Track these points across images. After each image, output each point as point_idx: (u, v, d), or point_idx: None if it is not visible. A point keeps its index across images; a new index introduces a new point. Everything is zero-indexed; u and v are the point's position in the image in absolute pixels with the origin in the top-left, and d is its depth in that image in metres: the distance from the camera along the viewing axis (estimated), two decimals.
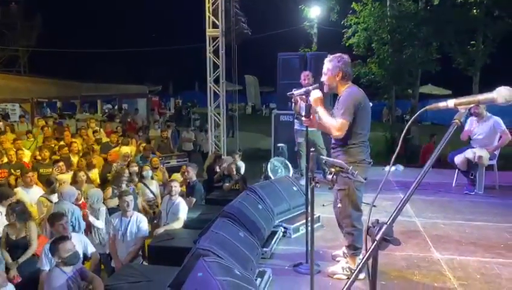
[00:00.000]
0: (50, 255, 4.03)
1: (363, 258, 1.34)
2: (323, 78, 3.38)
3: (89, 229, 5.39)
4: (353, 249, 3.41)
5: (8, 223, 4.69)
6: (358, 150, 3.30)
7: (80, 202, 5.71)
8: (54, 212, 4.65)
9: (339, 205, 3.34)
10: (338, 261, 3.66)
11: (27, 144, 9.26)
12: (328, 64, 3.35)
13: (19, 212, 4.63)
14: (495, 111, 5.90)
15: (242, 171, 7.56)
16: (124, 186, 6.09)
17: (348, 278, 2.90)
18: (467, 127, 6.29)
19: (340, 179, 3.14)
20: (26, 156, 8.13)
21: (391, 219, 1.33)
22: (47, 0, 29.93)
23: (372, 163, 3.38)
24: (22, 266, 4.49)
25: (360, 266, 1.32)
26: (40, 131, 10.24)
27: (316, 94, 3.33)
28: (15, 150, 7.73)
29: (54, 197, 5.55)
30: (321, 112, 3.32)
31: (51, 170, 7.08)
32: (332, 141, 3.44)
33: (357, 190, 3.30)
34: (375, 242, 1.30)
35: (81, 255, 4.31)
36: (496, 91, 1.37)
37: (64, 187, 5.52)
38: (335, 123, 3.23)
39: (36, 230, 4.72)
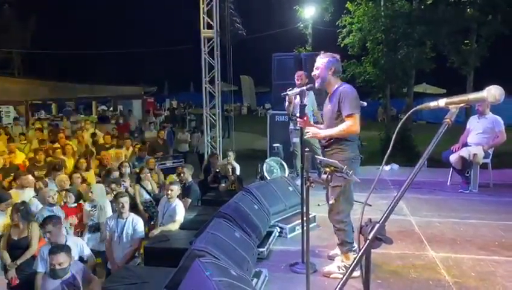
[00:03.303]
0: (45, 257, 4.02)
1: (356, 257, 1.35)
2: (316, 72, 3.41)
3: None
4: (346, 245, 3.44)
5: (10, 223, 4.70)
6: (356, 145, 3.43)
7: (75, 205, 5.69)
8: (46, 216, 4.62)
9: (332, 201, 3.37)
10: (334, 260, 3.67)
11: (20, 147, 9.21)
12: (322, 59, 3.42)
13: (24, 212, 4.65)
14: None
15: (237, 171, 7.56)
16: (114, 186, 6.10)
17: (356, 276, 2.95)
18: (468, 126, 6.40)
19: (335, 177, 3.16)
20: (20, 158, 8.09)
21: (383, 217, 1.34)
22: (41, 2, 29.80)
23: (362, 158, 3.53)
24: (20, 267, 4.49)
25: (353, 266, 1.32)
26: (35, 133, 10.23)
27: (311, 133, 3.39)
28: (8, 152, 7.70)
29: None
30: (327, 132, 3.36)
31: (45, 172, 7.05)
32: (325, 138, 3.46)
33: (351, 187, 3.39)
34: (368, 241, 1.31)
35: (77, 257, 4.31)
36: (487, 90, 1.39)
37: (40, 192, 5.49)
38: (346, 125, 3.24)
39: (38, 231, 4.71)
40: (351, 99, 3.26)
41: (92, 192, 5.58)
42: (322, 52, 3.52)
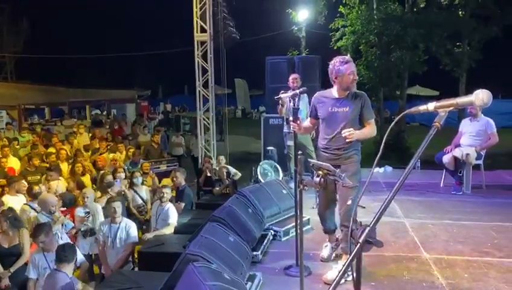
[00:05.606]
0: (37, 263, 3.99)
1: (347, 260, 1.35)
2: (356, 77, 3.50)
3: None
4: None
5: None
6: None
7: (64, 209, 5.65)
8: (38, 224, 4.56)
9: (350, 201, 3.42)
10: (338, 264, 3.68)
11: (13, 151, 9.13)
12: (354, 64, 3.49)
13: (12, 220, 4.57)
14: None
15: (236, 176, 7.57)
16: (110, 190, 6.08)
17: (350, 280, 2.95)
18: (460, 129, 6.45)
19: (353, 178, 3.34)
20: (15, 163, 8.03)
21: (374, 221, 1.34)
22: (33, 6, 29.67)
23: None
24: (13, 274, 4.42)
25: (343, 269, 1.33)
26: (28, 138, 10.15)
27: (355, 136, 3.35)
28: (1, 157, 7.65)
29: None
30: (359, 134, 3.39)
31: (39, 177, 7.00)
32: (342, 141, 3.44)
33: None
34: (359, 245, 1.32)
35: None
36: (474, 94, 1.41)
37: (42, 197, 5.39)
38: (372, 128, 3.47)
39: (29, 238, 4.66)
40: (370, 105, 3.51)
41: (87, 197, 5.54)
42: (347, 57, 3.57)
